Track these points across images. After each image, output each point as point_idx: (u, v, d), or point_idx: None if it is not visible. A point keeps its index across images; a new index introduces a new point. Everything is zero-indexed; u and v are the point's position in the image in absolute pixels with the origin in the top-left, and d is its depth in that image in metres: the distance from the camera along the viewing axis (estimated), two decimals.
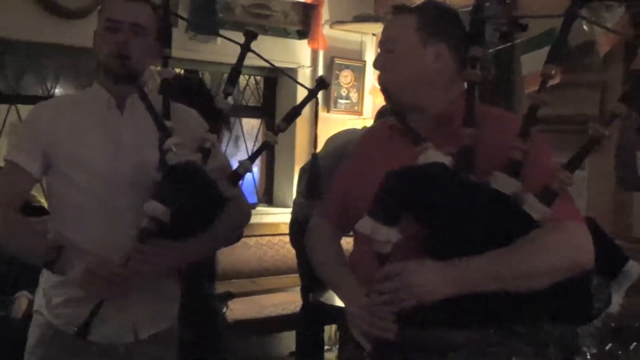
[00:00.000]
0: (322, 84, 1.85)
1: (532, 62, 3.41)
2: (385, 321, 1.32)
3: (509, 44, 3.58)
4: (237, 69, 1.86)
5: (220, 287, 4.03)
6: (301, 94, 4.73)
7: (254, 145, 5.03)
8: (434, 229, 1.30)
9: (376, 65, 1.53)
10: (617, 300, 1.51)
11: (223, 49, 4.18)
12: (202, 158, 1.74)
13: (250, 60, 4.83)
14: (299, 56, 4.74)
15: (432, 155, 1.32)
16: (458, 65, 1.49)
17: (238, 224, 1.82)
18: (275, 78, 4.85)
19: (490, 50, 3.70)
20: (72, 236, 1.66)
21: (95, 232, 1.66)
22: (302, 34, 4.68)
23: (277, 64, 4.79)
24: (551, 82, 3.26)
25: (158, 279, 1.67)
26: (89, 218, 1.67)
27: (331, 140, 4.01)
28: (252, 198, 5.01)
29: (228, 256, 4.36)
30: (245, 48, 1.86)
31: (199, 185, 1.61)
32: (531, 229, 1.29)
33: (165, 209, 1.55)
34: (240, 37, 4.44)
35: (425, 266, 1.29)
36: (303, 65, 4.76)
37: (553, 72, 1.35)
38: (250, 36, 1.86)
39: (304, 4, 4.60)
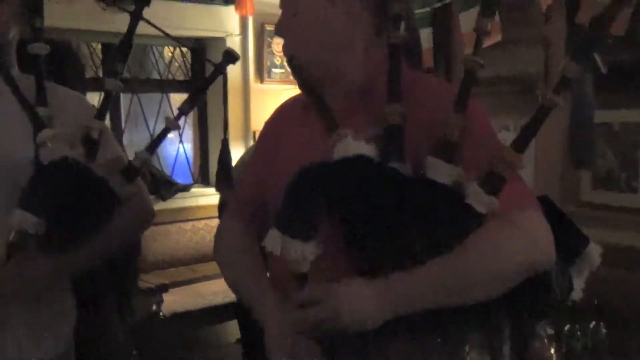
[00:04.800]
0: (229, 58, 1.56)
1: (471, 20, 3.19)
2: (311, 347, 1.09)
3: (446, 1, 3.34)
4: (127, 42, 1.56)
5: (155, 278, 3.77)
6: (230, 65, 4.47)
7: (184, 122, 4.71)
8: (361, 239, 1.05)
9: (278, 30, 1.27)
10: (579, 286, 1.32)
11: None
12: (89, 151, 1.46)
13: (174, 30, 4.47)
14: (227, 24, 4.43)
15: (351, 145, 1.07)
16: (376, 26, 1.24)
17: (136, 226, 1.58)
18: (203, 49, 4.52)
19: (427, 9, 3.47)
20: None
21: None
22: (227, 0, 4.35)
23: (203, 33, 4.52)
24: (492, 41, 3.12)
25: (42, 294, 1.40)
26: None
27: None
28: (186, 179, 4.72)
29: (162, 244, 4.09)
30: (136, 16, 1.55)
31: (80, 186, 1.35)
32: (477, 226, 1.06)
33: (36, 219, 1.28)
34: (159, 5, 4.05)
35: (353, 288, 1.04)
36: (232, 34, 4.44)
37: (489, 27, 1.11)
38: (141, 2, 1.56)
39: None
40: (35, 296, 1.40)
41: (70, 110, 1.51)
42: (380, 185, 1.03)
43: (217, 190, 1.68)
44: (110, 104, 1.56)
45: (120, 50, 1.58)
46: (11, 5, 1.42)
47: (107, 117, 4.56)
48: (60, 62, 1.70)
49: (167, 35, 1.72)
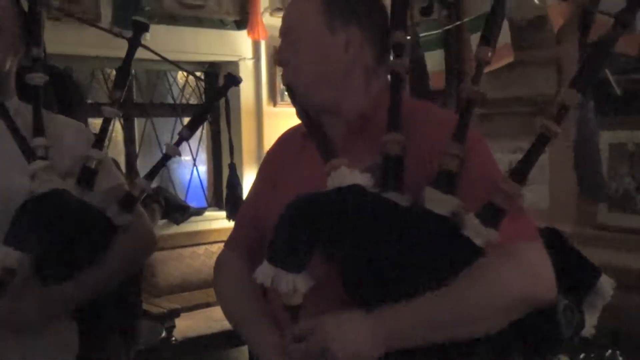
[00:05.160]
0: (230, 81, 1.55)
1: None
2: None
3: (457, 22, 3.32)
4: (125, 69, 1.55)
5: (168, 303, 3.76)
6: (244, 88, 4.48)
7: (198, 146, 4.73)
8: (355, 270, 1.03)
9: (278, 59, 1.26)
10: (591, 322, 1.27)
11: (153, 44, 3.85)
12: (86, 181, 1.45)
13: (187, 55, 4.47)
14: (239, 48, 4.45)
15: (346, 175, 1.05)
16: (378, 54, 1.22)
17: (138, 254, 1.54)
18: (216, 73, 4.55)
19: (438, 31, 3.46)
20: None
21: None
22: (240, 24, 4.38)
23: (216, 58, 4.54)
24: (504, 62, 3.09)
25: (37, 326, 1.38)
26: None
27: None
28: (200, 202, 4.72)
29: (175, 268, 4.09)
30: (134, 42, 1.55)
31: (70, 218, 1.33)
32: (475, 258, 1.03)
33: (18, 254, 1.26)
34: (172, 31, 4.06)
35: (345, 320, 1.02)
36: (244, 58, 4.46)
37: (489, 56, 1.09)
38: (139, 28, 1.56)
39: None
40: (31, 328, 1.38)
41: (68, 139, 1.50)
42: (374, 216, 1.00)
43: (228, 218, 1.69)
44: (108, 131, 1.54)
45: (118, 77, 1.58)
46: (8, 36, 1.42)
47: (121, 141, 4.52)
48: (61, 90, 1.71)
49: (165, 59, 1.71)
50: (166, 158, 1.52)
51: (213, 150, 4.72)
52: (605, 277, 1.25)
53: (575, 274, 1.24)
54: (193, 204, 4.62)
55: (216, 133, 4.66)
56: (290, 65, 1.25)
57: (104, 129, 1.53)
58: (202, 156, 4.87)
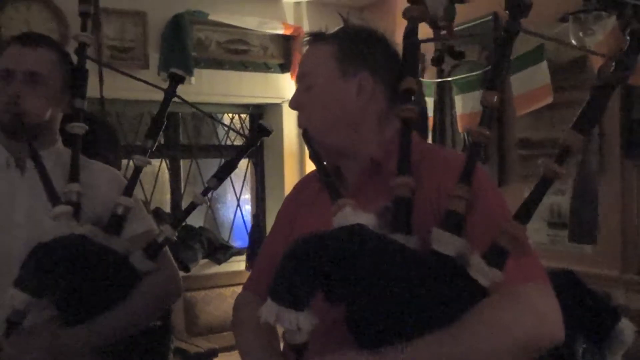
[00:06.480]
0: (261, 131, 1.56)
1: (522, 83, 3.15)
2: None
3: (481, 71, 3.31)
4: (159, 119, 1.59)
5: (207, 342, 3.78)
6: (287, 130, 4.55)
7: (242, 186, 4.80)
8: (356, 309, 1.03)
9: (292, 104, 1.29)
10: None
11: (199, 89, 4.01)
12: (114, 226, 1.49)
13: (232, 98, 4.56)
14: (283, 90, 4.54)
15: (349, 215, 1.06)
16: (390, 99, 1.24)
17: (157, 302, 1.54)
18: (261, 114, 4.64)
19: (477, 72, 3.45)
20: None
21: None
22: (284, 67, 4.48)
23: (260, 100, 4.63)
24: (543, 103, 3.05)
25: None
26: None
27: None
28: (245, 241, 4.76)
29: (216, 307, 4.12)
30: (169, 93, 1.60)
31: (84, 262, 1.36)
32: (479, 299, 1.01)
33: (26, 297, 1.28)
34: (217, 75, 4.17)
35: None
36: (287, 100, 4.53)
37: (495, 100, 1.09)
38: (176, 80, 1.60)
39: (284, 36, 4.41)
40: None
41: (102, 186, 1.56)
42: (374, 255, 1.00)
43: (248, 269, 1.70)
44: (138, 179, 1.57)
45: (151, 127, 1.61)
46: (50, 89, 1.50)
47: (168, 181, 4.59)
48: (95, 135, 1.78)
49: (198, 110, 1.78)
50: (192, 207, 1.53)
51: (257, 190, 4.78)
52: (626, 321, 1.21)
53: (594, 317, 1.21)
54: (237, 243, 4.67)
55: (260, 173, 4.74)
56: (304, 110, 1.27)
57: (135, 176, 1.56)
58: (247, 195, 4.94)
